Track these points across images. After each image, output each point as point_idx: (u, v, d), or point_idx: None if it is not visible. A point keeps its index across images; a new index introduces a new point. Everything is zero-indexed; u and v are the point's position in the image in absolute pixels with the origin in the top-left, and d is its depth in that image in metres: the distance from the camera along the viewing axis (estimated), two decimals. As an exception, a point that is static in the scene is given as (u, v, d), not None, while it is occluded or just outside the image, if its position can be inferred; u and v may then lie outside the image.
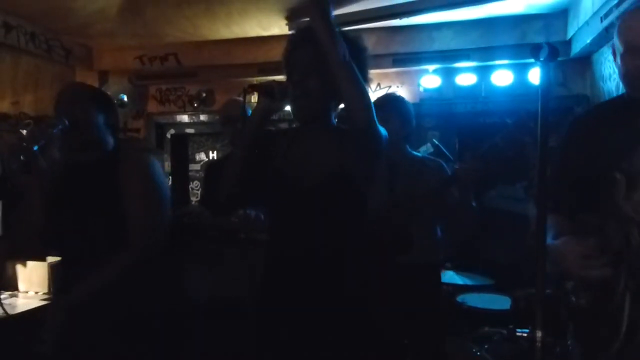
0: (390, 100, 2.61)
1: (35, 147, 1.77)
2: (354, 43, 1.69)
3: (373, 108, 1.54)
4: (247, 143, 1.66)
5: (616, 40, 1.58)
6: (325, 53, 1.51)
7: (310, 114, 1.68)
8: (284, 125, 4.03)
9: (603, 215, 1.46)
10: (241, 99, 1.68)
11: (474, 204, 2.38)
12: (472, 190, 2.37)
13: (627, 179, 1.41)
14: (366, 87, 1.59)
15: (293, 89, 1.63)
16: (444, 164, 2.56)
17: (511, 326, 2.73)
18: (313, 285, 1.59)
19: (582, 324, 1.52)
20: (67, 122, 1.84)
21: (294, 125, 1.83)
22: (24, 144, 1.78)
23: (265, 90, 1.62)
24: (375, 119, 1.54)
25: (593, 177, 1.56)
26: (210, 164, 4.38)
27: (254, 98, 1.70)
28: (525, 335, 2.59)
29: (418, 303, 2.37)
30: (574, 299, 1.51)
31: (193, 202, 5.47)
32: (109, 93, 2.34)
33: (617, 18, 1.64)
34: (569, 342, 1.27)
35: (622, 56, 1.54)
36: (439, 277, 2.82)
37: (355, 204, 1.69)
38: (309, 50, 1.62)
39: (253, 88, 1.64)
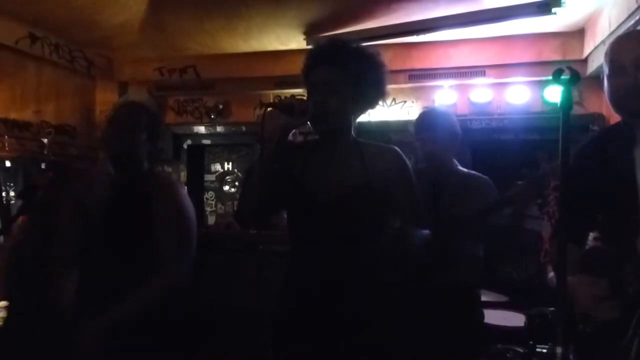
0: (437, 116, 2.50)
1: None
2: (371, 59, 1.71)
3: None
4: (267, 161, 1.60)
5: (604, 66, 1.62)
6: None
7: (331, 131, 1.69)
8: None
9: (620, 256, 1.45)
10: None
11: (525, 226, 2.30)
12: (524, 214, 2.27)
13: None
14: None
15: (314, 108, 1.62)
16: (491, 182, 2.45)
17: (531, 342, 2.66)
18: (335, 301, 1.59)
19: (583, 349, 1.51)
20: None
21: (312, 138, 1.83)
22: (45, 152, 1.80)
23: (284, 107, 1.60)
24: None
25: (606, 211, 1.58)
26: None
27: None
28: (544, 351, 2.53)
29: (453, 325, 2.24)
30: (580, 324, 1.52)
31: (207, 213, 5.52)
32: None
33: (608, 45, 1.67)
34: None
35: (608, 77, 1.58)
36: (478, 299, 2.59)
37: (379, 219, 1.69)
38: (329, 68, 1.65)
39: (273, 106, 1.62)
